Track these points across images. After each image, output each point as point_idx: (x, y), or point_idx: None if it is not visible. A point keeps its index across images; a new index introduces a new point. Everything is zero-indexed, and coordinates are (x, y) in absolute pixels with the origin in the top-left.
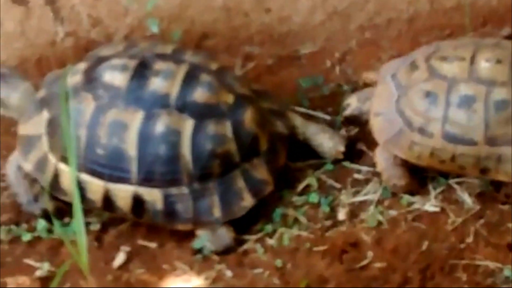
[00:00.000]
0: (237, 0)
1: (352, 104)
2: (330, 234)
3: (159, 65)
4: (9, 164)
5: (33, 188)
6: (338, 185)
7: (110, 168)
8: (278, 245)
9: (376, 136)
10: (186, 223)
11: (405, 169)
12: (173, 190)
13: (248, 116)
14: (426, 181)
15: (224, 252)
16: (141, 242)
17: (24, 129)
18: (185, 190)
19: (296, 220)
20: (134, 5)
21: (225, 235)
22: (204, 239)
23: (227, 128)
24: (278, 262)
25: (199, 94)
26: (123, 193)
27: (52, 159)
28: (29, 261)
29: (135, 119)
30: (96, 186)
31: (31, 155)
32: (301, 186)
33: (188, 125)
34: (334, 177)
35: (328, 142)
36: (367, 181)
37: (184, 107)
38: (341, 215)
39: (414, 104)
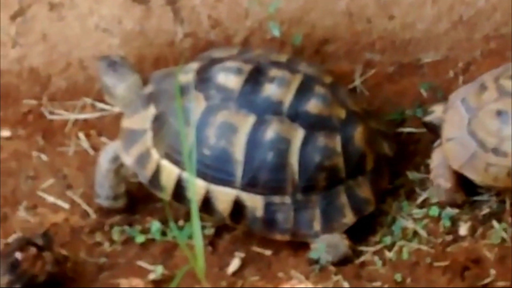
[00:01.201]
0: (360, 5)
1: (437, 112)
2: (451, 249)
3: (274, 72)
4: (104, 153)
5: (119, 187)
6: None
7: (215, 169)
8: (397, 259)
9: (450, 161)
10: (284, 234)
11: (455, 175)
12: (276, 199)
13: (358, 133)
14: None
15: (341, 262)
16: (255, 248)
17: (128, 123)
18: (287, 200)
19: (415, 234)
20: (255, 7)
21: (341, 244)
22: (320, 249)
23: (337, 142)
24: (398, 276)
25: (313, 105)
26: (224, 196)
27: (155, 155)
28: (142, 264)
29: (246, 123)
30: (197, 187)
31: (133, 149)
32: (421, 199)
33: (298, 134)
34: None
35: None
36: (490, 196)
37: (296, 116)
38: (463, 230)
39: (486, 125)
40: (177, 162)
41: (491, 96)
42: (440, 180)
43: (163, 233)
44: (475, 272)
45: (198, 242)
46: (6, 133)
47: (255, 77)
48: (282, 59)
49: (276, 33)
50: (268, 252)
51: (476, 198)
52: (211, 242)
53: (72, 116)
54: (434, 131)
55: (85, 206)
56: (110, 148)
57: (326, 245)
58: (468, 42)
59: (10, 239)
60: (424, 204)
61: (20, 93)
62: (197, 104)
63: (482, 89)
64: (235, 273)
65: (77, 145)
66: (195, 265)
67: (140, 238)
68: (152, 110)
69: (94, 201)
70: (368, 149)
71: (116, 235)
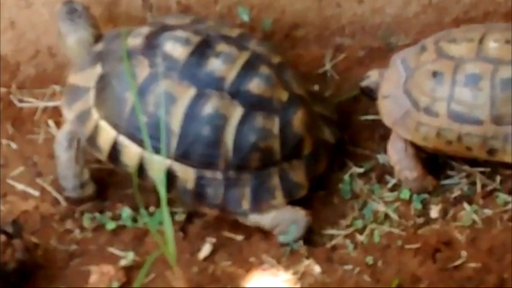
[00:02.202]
0: None
1: (372, 77)
2: (422, 231)
3: (222, 47)
4: (58, 144)
5: (83, 174)
6: None
7: (151, 137)
8: (368, 242)
9: (384, 118)
10: (213, 208)
11: (418, 161)
12: (207, 173)
13: (298, 117)
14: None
15: (307, 233)
16: (226, 234)
17: (74, 79)
18: (219, 175)
19: (387, 217)
20: None
21: (299, 217)
22: (292, 233)
23: (275, 125)
24: (369, 259)
25: (255, 85)
26: (157, 165)
27: (95, 114)
28: (113, 250)
29: (186, 95)
30: (132, 153)
31: (75, 105)
32: (392, 182)
33: (236, 112)
34: None
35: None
36: (460, 178)
37: (236, 94)
38: (434, 212)
39: (421, 84)
40: (115, 125)
41: (429, 57)
42: (406, 173)
43: (134, 220)
44: (447, 254)
45: (168, 228)
46: None
47: (202, 49)
48: (233, 33)
49: (245, 18)
50: (239, 237)
51: (446, 181)
52: (182, 228)
53: (42, 104)
54: (370, 95)
55: (55, 194)
56: (61, 137)
57: (286, 226)
58: (438, 25)
59: None
60: (395, 187)
61: None
62: (141, 70)
63: (422, 50)
64: (206, 258)
65: (46, 133)
66: (166, 251)
67: (111, 225)
68: (98, 69)
69: (63, 195)
70: (307, 134)
71: (86, 222)
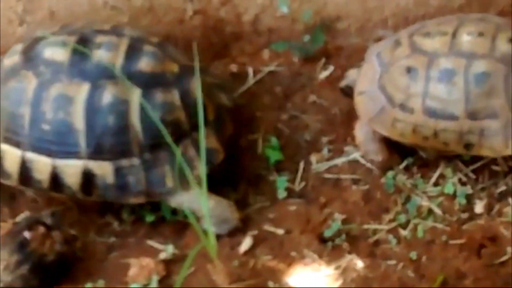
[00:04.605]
0: None
1: (350, 76)
2: (467, 227)
3: (100, 38)
4: None
5: None
6: (474, 176)
7: (57, 144)
8: (412, 237)
9: (360, 115)
10: (138, 196)
11: (383, 144)
12: (124, 162)
13: (194, 85)
14: None
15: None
16: (267, 227)
17: None
18: (136, 161)
19: (430, 212)
20: None
21: (231, 217)
22: (335, 225)
23: (175, 96)
24: (413, 254)
25: (144, 63)
26: (72, 169)
27: None
28: (152, 243)
29: (81, 91)
30: (43, 165)
31: None
32: (435, 176)
33: (135, 94)
34: (470, 168)
35: None
36: (505, 173)
37: (130, 77)
38: (479, 207)
39: (395, 80)
40: (17, 144)
41: (403, 52)
42: (372, 156)
43: (173, 213)
44: (492, 250)
45: (209, 220)
46: None
47: (82, 45)
48: (106, 27)
49: (286, 10)
50: (280, 231)
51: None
52: None
53: None
54: (350, 95)
55: None
56: None
57: (217, 219)
58: None
59: (19, 218)
60: (438, 182)
61: None
62: (27, 83)
63: (396, 44)
64: (246, 252)
65: None
66: (206, 244)
67: (150, 218)
68: None
69: None
70: (207, 100)
71: (125, 214)
